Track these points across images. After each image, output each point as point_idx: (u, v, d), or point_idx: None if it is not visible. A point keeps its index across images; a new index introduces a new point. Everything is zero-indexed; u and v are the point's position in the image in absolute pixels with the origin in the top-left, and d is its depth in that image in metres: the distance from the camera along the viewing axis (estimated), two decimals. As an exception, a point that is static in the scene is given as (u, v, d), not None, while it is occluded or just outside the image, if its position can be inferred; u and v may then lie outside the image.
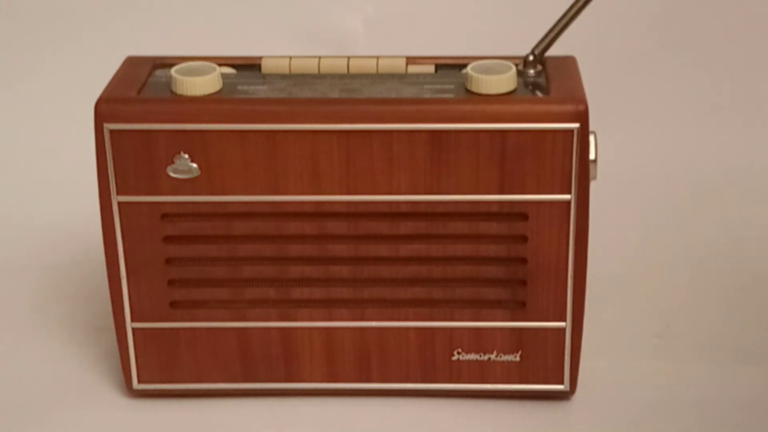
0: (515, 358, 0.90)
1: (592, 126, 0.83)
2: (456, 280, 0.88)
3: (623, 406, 0.92)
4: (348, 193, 0.85)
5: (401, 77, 0.88)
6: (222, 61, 0.89)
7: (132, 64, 0.91)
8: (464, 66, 0.88)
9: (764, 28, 1.30)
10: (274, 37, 1.30)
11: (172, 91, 0.85)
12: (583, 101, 0.82)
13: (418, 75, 0.88)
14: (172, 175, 0.85)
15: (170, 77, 0.86)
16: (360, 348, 0.90)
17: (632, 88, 1.30)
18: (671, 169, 1.25)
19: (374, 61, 0.89)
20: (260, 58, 0.90)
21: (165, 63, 0.90)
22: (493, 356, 0.90)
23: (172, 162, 0.84)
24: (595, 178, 0.84)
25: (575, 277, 0.87)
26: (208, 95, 0.85)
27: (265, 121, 0.83)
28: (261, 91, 0.86)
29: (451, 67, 0.90)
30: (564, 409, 0.92)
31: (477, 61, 0.87)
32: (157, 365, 0.91)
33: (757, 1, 1.30)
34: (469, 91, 0.85)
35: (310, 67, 0.89)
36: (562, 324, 0.89)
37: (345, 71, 0.89)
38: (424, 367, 0.91)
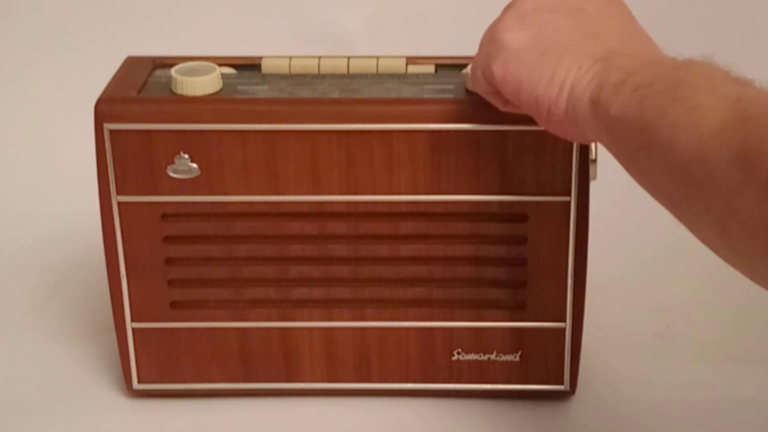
0: (515, 358, 0.90)
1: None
2: (456, 281, 0.88)
3: (623, 406, 0.92)
4: (348, 193, 0.85)
5: (401, 77, 0.88)
6: (222, 61, 0.89)
7: (132, 64, 0.91)
8: (464, 66, 0.88)
9: (764, 28, 1.30)
10: (274, 37, 1.30)
11: (172, 91, 0.85)
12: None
13: (418, 75, 0.88)
14: (172, 175, 0.85)
15: (170, 77, 0.86)
16: (360, 348, 0.90)
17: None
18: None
19: (374, 61, 0.89)
20: (260, 58, 0.90)
21: (165, 63, 0.90)
22: (493, 356, 0.90)
23: (172, 162, 0.84)
24: (595, 178, 0.84)
25: (575, 277, 0.87)
26: (208, 95, 0.85)
27: (265, 121, 0.83)
28: (261, 91, 0.86)
29: (451, 67, 0.90)
30: (564, 409, 0.92)
31: (477, 61, 0.86)
32: (157, 365, 0.91)
33: (757, 1, 1.30)
34: (469, 91, 0.85)
35: (310, 67, 0.89)
36: (562, 324, 0.89)
37: (345, 71, 0.89)
38: (424, 367, 0.91)
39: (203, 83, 0.85)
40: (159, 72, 0.89)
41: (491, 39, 0.75)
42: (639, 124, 0.64)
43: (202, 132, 0.83)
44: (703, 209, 0.61)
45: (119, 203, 0.86)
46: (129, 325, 0.90)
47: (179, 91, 0.85)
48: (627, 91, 0.66)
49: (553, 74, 0.71)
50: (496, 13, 0.78)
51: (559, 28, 0.73)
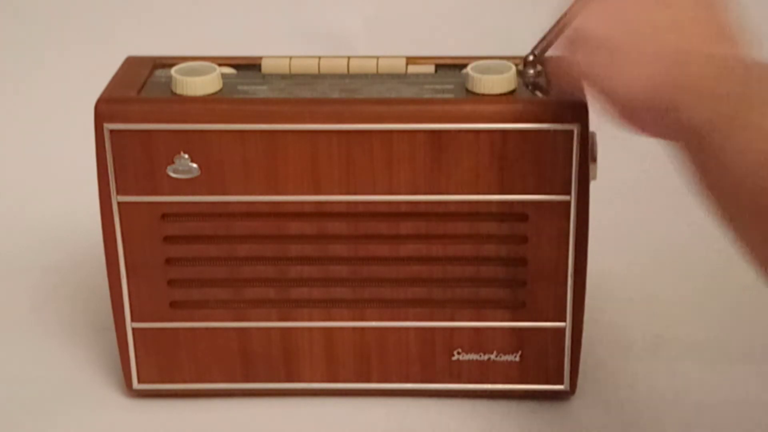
0: (515, 358, 0.90)
1: (592, 126, 0.83)
2: (456, 280, 0.88)
3: (623, 406, 0.92)
4: (348, 193, 0.85)
5: (401, 77, 0.88)
6: (222, 61, 0.89)
7: (132, 64, 0.91)
8: (464, 66, 0.88)
9: (764, 28, 1.30)
10: (274, 37, 1.30)
11: (172, 91, 0.85)
12: (583, 101, 0.82)
13: (418, 75, 0.88)
14: (172, 175, 0.85)
15: (170, 77, 0.86)
16: (360, 348, 0.90)
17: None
18: (671, 169, 1.25)
19: (374, 61, 0.89)
20: (260, 58, 0.90)
21: (165, 63, 0.90)
22: (493, 356, 0.90)
23: (172, 162, 0.84)
24: (595, 178, 0.84)
25: (575, 277, 0.87)
26: (208, 95, 0.85)
27: (265, 121, 0.83)
28: (261, 91, 0.86)
29: (451, 67, 0.90)
30: (564, 409, 0.92)
31: (477, 61, 0.87)
32: (157, 365, 0.91)
33: (757, 1, 1.30)
34: (469, 91, 0.85)
35: (310, 67, 0.89)
36: (562, 324, 0.89)
37: (345, 71, 0.89)
38: (424, 367, 0.91)
39: (203, 83, 0.85)
40: (159, 72, 0.89)
41: (576, 32, 0.75)
42: (710, 142, 0.63)
43: (202, 132, 0.83)
44: None
45: (119, 203, 0.86)
46: (129, 325, 0.90)
47: (179, 91, 0.85)
48: (705, 101, 0.65)
49: (633, 70, 0.71)
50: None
51: (643, 22, 0.72)
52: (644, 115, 0.71)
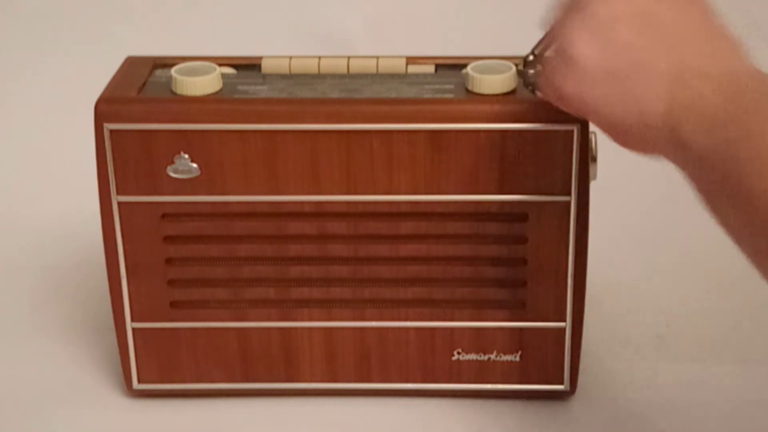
0: (515, 358, 0.90)
1: (592, 126, 0.83)
2: (456, 280, 0.88)
3: (623, 406, 0.92)
4: (348, 193, 0.85)
5: (401, 77, 0.88)
6: (222, 61, 0.89)
7: (132, 64, 0.91)
8: (464, 66, 0.88)
9: (764, 28, 1.30)
10: (274, 37, 1.30)
11: (172, 91, 0.85)
12: (583, 101, 0.82)
13: (418, 75, 0.88)
14: (172, 175, 0.85)
15: (170, 77, 0.86)
16: (360, 348, 0.90)
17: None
18: (671, 169, 1.25)
19: (374, 61, 0.89)
20: (260, 58, 0.90)
21: (165, 63, 0.90)
22: (493, 356, 0.90)
23: (172, 162, 0.84)
24: (595, 178, 0.84)
25: (575, 277, 0.87)
26: (208, 95, 0.85)
27: (265, 121, 0.83)
28: (261, 91, 0.86)
29: (451, 67, 0.90)
30: (564, 409, 0.92)
31: (477, 61, 0.87)
32: (157, 365, 0.91)
33: (758, 1, 1.30)
34: (469, 91, 0.85)
35: (310, 67, 0.89)
36: (562, 324, 0.89)
37: (345, 71, 0.89)
38: (424, 367, 0.91)
39: (203, 83, 0.85)
40: (159, 72, 0.89)
41: (561, 51, 0.72)
42: (718, 174, 0.61)
43: (202, 132, 0.83)
44: None
45: (119, 203, 0.86)
46: (129, 325, 0.90)
47: (179, 91, 0.85)
48: (704, 125, 0.62)
49: (626, 98, 0.68)
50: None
51: (631, 43, 0.69)
52: (640, 140, 0.69)
